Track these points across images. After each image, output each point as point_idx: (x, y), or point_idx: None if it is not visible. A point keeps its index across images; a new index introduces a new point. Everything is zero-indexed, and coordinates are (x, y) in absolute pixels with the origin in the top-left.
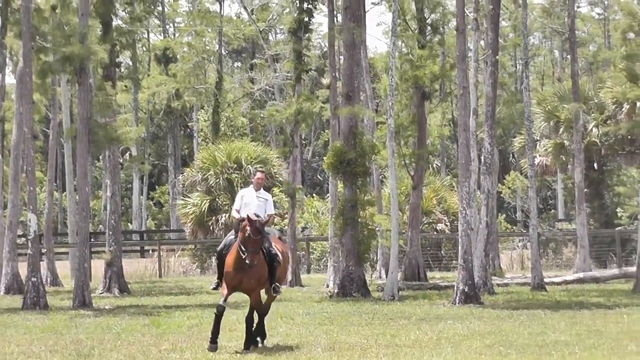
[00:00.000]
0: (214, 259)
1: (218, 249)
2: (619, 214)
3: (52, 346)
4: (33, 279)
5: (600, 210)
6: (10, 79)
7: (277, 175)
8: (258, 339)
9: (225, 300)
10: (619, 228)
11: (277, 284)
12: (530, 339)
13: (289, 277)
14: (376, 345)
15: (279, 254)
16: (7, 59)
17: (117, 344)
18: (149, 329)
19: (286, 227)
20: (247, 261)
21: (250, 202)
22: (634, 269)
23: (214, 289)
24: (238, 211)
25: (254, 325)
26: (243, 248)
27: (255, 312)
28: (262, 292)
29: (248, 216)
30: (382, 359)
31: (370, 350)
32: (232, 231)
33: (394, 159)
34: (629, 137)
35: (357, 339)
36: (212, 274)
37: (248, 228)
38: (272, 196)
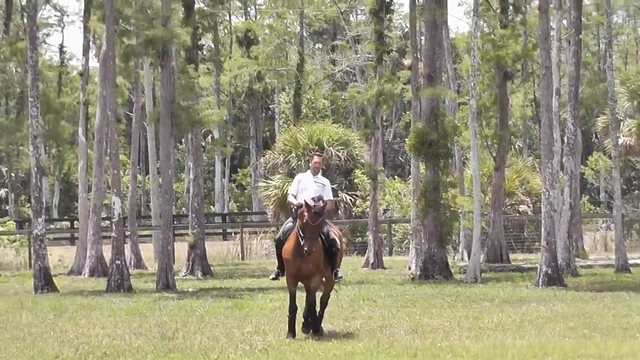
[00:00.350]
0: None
1: (276, 237)
2: None
3: (137, 329)
4: (117, 262)
5: None
6: (93, 63)
7: (358, 157)
8: (311, 329)
9: (293, 298)
10: None
11: (337, 269)
12: (615, 322)
13: (371, 259)
14: (459, 327)
15: (337, 240)
16: (91, 43)
17: (201, 326)
18: (232, 311)
19: (368, 209)
20: (305, 248)
21: (308, 187)
22: None
23: (273, 279)
24: (295, 196)
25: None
26: (301, 234)
27: (311, 300)
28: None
29: (306, 201)
30: (465, 341)
31: (452, 333)
32: (290, 218)
33: (476, 140)
34: None
35: (440, 322)
36: None
37: (306, 214)
38: (354, 178)
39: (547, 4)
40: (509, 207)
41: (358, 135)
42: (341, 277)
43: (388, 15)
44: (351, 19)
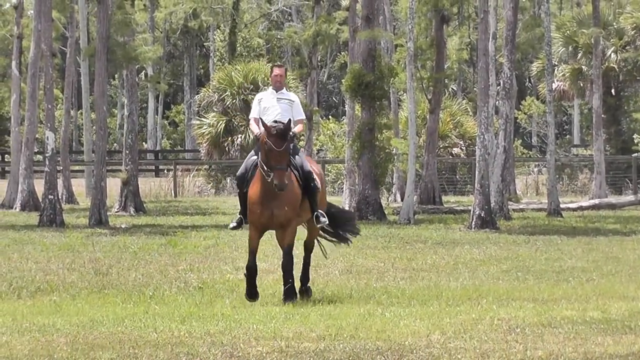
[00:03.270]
0: (234, 185)
1: (238, 173)
2: (635, 140)
3: (70, 264)
4: (50, 197)
5: (617, 137)
6: None
7: None
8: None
9: (254, 255)
10: (636, 154)
11: (319, 211)
12: (547, 265)
13: None
14: (393, 269)
15: (316, 176)
16: None
17: (135, 263)
18: (165, 248)
19: (302, 149)
20: (275, 182)
21: (271, 106)
22: None
23: (234, 228)
24: (258, 122)
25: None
26: (266, 168)
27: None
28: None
29: (264, 122)
30: (400, 282)
31: (387, 274)
32: (252, 152)
33: (412, 83)
34: None
35: (374, 263)
36: (226, 194)
37: (267, 139)
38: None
39: None
40: (443, 149)
41: (293, 75)
42: (325, 221)
43: None
44: None
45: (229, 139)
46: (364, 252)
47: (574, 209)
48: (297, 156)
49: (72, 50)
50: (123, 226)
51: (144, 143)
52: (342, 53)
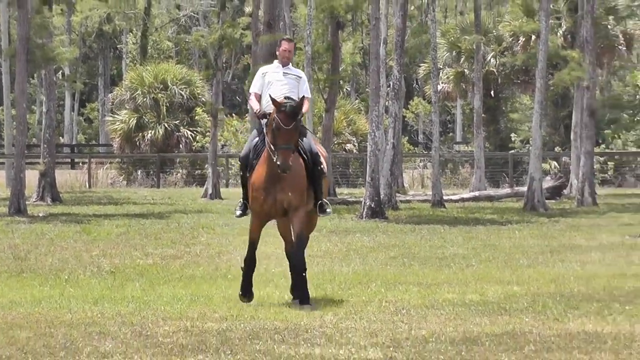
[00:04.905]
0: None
1: (242, 154)
2: (512, 138)
3: None
4: None
5: (496, 135)
6: None
7: (200, 96)
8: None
9: (254, 246)
10: (512, 151)
11: (324, 200)
12: (431, 252)
13: (210, 190)
14: None
15: (323, 158)
16: None
17: (51, 249)
18: (80, 235)
19: (208, 144)
20: (278, 163)
21: (276, 82)
22: (524, 189)
23: (240, 215)
24: (259, 98)
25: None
26: (272, 147)
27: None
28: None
29: (272, 97)
30: None
31: (284, 260)
32: (254, 132)
33: (310, 83)
34: (524, 67)
35: (273, 249)
36: (137, 185)
37: (275, 115)
38: (196, 115)
39: None
40: (337, 145)
41: (200, 75)
42: (329, 212)
43: None
44: None
45: (140, 134)
46: (263, 240)
47: (456, 201)
48: (304, 138)
49: None
50: (40, 215)
51: (60, 137)
52: (246, 56)
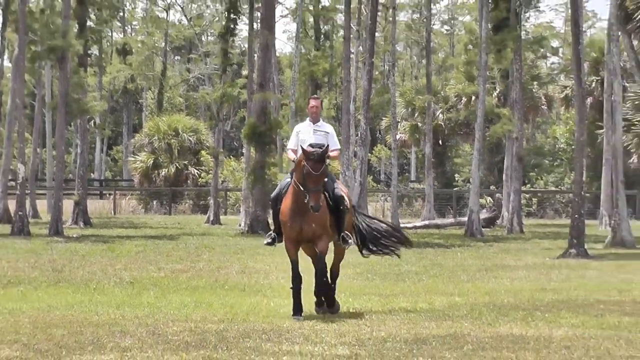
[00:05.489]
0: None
1: (273, 195)
2: (456, 178)
3: (33, 263)
4: (20, 213)
5: (442, 175)
6: (7, 63)
7: (204, 141)
8: (325, 305)
9: (296, 266)
10: (456, 189)
11: (346, 232)
12: (390, 269)
13: (212, 217)
14: (276, 270)
15: (345, 197)
16: (6, 49)
17: (82, 263)
18: (106, 252)
19: (210, 180)
20: (311, 204)
21: (308, 139)
22: (465, 219)
23: (268, 244)
24: (296, 152)
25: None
26: (302, 188)
27: (322, 267)
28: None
29: (303, 148)
30: (281, 281)
31: (271, 274)
32: (286, 176)
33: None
34: (465, 121)
35: (262, 265)
36: (153, 213)
37: (305, 163)
38: (201, 157)
39: (349, 34)
40: None
41: (205, 125)
42: (351, 243)
43: (232, 38)
44: (203, 38)
45: (156, 171)
46: (254, 258)
47: (410, 228)
48: (330, 180)
49: (39, 104)
50: (74, 236)
51: (91, 173)
52: (242, 109)
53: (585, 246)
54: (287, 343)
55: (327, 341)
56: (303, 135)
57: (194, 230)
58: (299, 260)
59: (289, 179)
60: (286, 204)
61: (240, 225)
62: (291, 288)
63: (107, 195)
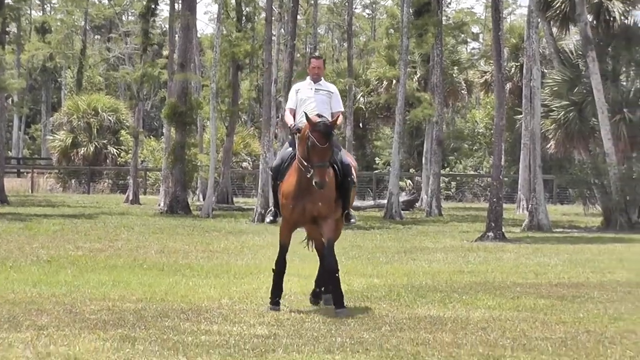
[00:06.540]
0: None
1: (273, 164)
2: (376, 161)
3: None
4: None
5: (363, 158)
6: None
7: (124, 121)
8: (322, 292)
9: (284, 252)
10: (376, 171)
11: (350, 210)
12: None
13: (131, 197)
14: (195, 250)
15: (353, 169)
16: None
17: None
18: (23, 231)
19: (130, 159)
20: (315, 180)
21: (309, 98)
22: (384, 201)
23: (271, 221)
24: (294, 113)
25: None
26: (306, 163)
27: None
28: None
29: (307, 116)
30: (200, 260)
31: (190, 254)
32: (287, 144)
33: (214, 113)
34: (386, 105)
35: (181, 245)
36: (71, 192)
37: (310, 134)
38: (121, 137)
39: (271, 16)
40: (235, 163)
41: (125, 104)
42: (354, 222)
43: (152, 18)
44: (124, 18)
45: (75, 150)
46: (173, 237)
47: None
48: (337, 150)
49: None
50: None
51: (9, 151)
52: (163, 90)
53: (503, 229)
54: (206, 322)
55: (245, 321)
56: (302, 94)
57: (113, 210)
58: (288, 247)
59: (290, 149)
60: (288, 182)
61: (159, 205)
62: (273, 270)
63: (25, 173)
